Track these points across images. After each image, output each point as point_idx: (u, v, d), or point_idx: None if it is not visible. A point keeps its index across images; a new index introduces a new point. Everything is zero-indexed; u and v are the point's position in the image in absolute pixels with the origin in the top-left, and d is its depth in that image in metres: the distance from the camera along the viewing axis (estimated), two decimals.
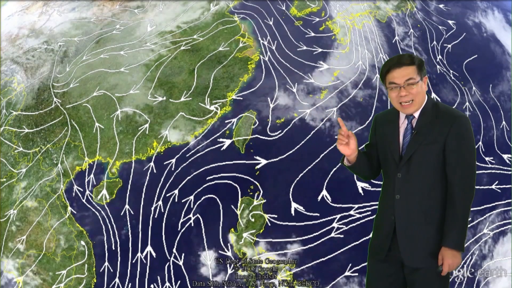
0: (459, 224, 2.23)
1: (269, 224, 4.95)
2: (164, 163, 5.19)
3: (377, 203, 2.53)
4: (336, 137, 5.22)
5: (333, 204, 4.99)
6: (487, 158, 5.60)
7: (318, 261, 4.90)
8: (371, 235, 2.54)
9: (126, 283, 4.96)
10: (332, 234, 4.93)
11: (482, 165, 5.50)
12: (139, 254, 5.00)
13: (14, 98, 6.09)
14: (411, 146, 2.30)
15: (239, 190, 5.03)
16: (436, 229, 2.27)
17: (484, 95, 6.11)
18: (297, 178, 5.07)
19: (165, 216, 5.05)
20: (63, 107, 5.73)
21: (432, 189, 2.28)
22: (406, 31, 6.37)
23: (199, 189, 5.06)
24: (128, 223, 5.10)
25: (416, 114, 2.35)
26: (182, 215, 5.02)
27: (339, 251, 4.91)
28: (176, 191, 5.08)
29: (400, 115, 2.41)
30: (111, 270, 5.01)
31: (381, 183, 2.52)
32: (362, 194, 5.00)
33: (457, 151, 2.25)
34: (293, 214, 4.97)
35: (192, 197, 5.04)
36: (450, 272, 2.32)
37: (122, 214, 5.13)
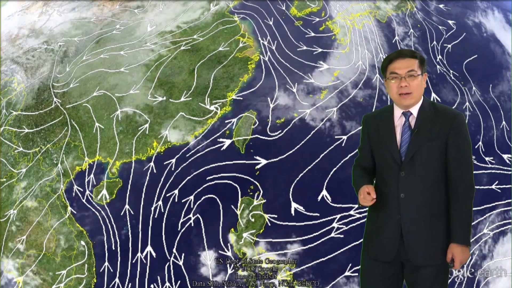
0: (465, 219, 2.25)
1: (269, 224, 4.95)
2: (164, 163, 5.19)
3: None
4: (336, 136, 5.25)
5: (333, 204, 4.99)
6: (487, 158, 5.59)
7: (318, 261, 4.90)
8: (366, 237, 2.49)
9: (126, 283, 4.96)
10: (332, 234, 4.93)
11: (482, 165, 5.49)
12: (139, 254, 5.00)
13: (14, 98, 6.09)
14: (413, 144, 2.29)
15: (239, 190, 5.03)
16: (441, 226, 2.28)
17: (484, 95, 6.11)
18: (297, 178, 5.07)
19: (165, 216, 5.04)
20: (63, 107, 5.73)
21: (436, 186, 2.29)
22: (406, 31, 6.37)
23: (199, 189, 5.05)
24: (128, 223, 5.10)
25: (414, 112, 2.35)
26: (182, 215, 5.02)
27: (339, 251, 4.91)
28: (176, 191, 5.08)
29: (395, 113, 2.39)
30: (111, 270, 5.01)
31: None
32: None
33: (459, 149, 2.28)
34: (293, 214, 4.97)
35: (192, 197, 5.04)
36: (450, 270, 2.34)
37: (122, 214, 5.13)
